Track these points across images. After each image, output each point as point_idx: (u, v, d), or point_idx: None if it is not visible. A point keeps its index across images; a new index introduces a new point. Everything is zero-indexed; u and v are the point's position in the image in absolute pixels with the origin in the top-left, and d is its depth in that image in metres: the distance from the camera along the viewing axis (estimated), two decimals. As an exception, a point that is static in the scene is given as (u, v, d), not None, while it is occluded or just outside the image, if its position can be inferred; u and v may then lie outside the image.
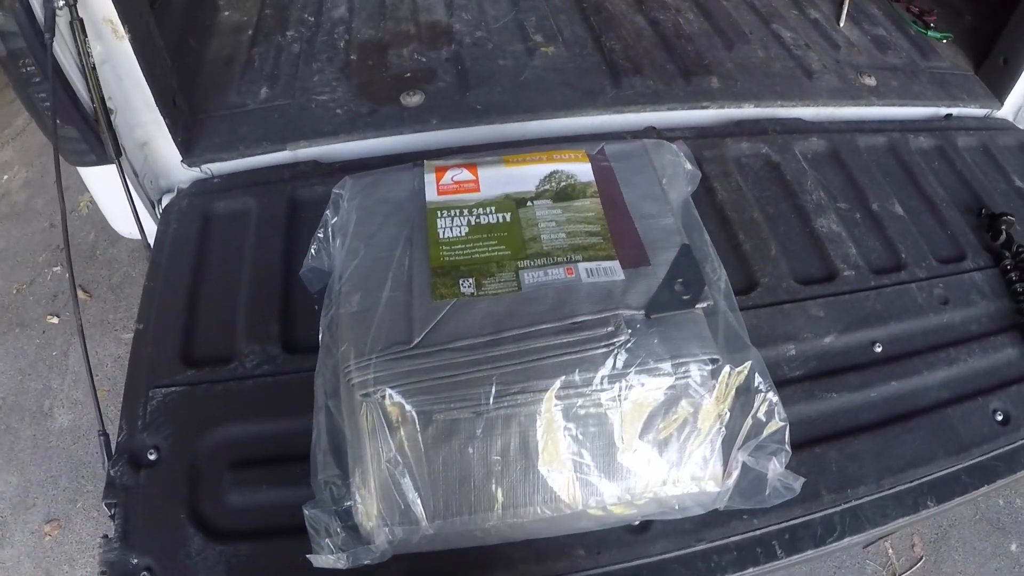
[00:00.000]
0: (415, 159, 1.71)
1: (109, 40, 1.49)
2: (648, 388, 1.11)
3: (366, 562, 1.08)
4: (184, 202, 1.68)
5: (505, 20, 2.00)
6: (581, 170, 1.34)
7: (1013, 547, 2.22)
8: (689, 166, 1.45)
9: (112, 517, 1.22)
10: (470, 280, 1.18)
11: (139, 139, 1.66)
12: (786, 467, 1.18)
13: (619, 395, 1.11)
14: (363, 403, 1.10)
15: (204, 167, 1.74)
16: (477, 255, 1.21)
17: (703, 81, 1.87)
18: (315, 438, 1.16)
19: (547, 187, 1.31)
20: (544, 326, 1.13)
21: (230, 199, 1.67)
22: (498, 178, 1.33)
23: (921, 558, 2.17)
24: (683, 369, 1.13)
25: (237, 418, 1.32)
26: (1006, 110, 2.01)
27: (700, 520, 1.23)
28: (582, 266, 1.19)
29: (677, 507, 1.17)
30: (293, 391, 1.34)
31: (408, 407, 1.08)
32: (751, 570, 1.25)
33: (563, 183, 1.31)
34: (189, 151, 1.71)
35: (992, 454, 1.43)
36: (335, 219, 1.38)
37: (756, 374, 1.18)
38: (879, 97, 1.92)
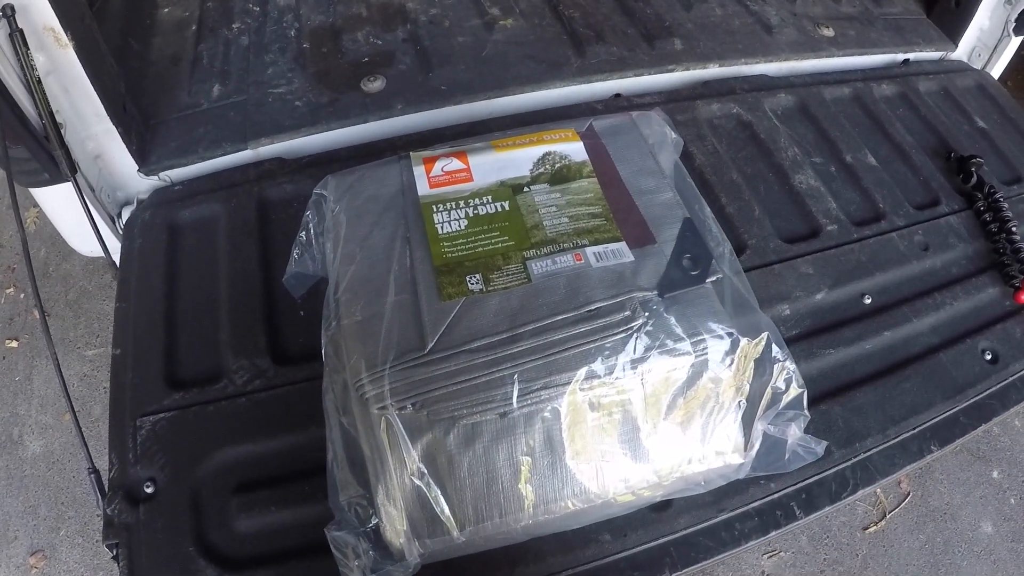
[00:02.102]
0: (384, 147, 1.65)
1: (52, 49, 1.36)
2: (669, 369, 1.07)
3: None
4: (146, 214, 1.56)
5: (459, -6, 1.91)
6: (574, 149, 1.28)
7: (995, 474, 2.27)
8: (673, 134, 1.40)
9: (115, 559, 1.13)
10: (477, 276, 1.11)
11: (92, 152, 1.53)
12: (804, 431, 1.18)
13: (642, 379, 1.06)
14: (381, 417, 1.03)
15: (163, 175, 1.62)
16: (481, 248, 1.14)
17: (666, 44, 1.82)
18: (331, 458, 1.08)
19: (542, 170, 1.25)
20: (560, 317, 1.07)
21: (195, 206, 1.56)
22: (490, 165, 1.25)
23: (908, 494, 2.21)
24: (702, 346, 1.09)
25: (235, 439, 1.24)
26: (960, 52, 2.01)
27: (720, 491, 1.20)
28: (590, 250, 1.14)
29: (703, 482, 1.14)
30: (290, 404, 1.27)
31: (429, 416, 1.02)
32: (773, 533, 1.25)
33: (558, 164, 1.25)
34: (145, 159, 1.59)
35: (985, 393, 1.44)
36: (316, 220, 1.30)
37: (773, 344, 1.15)
38: (839, 47, 1.90)
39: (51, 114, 1.37)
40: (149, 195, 1.61)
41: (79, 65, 1.40)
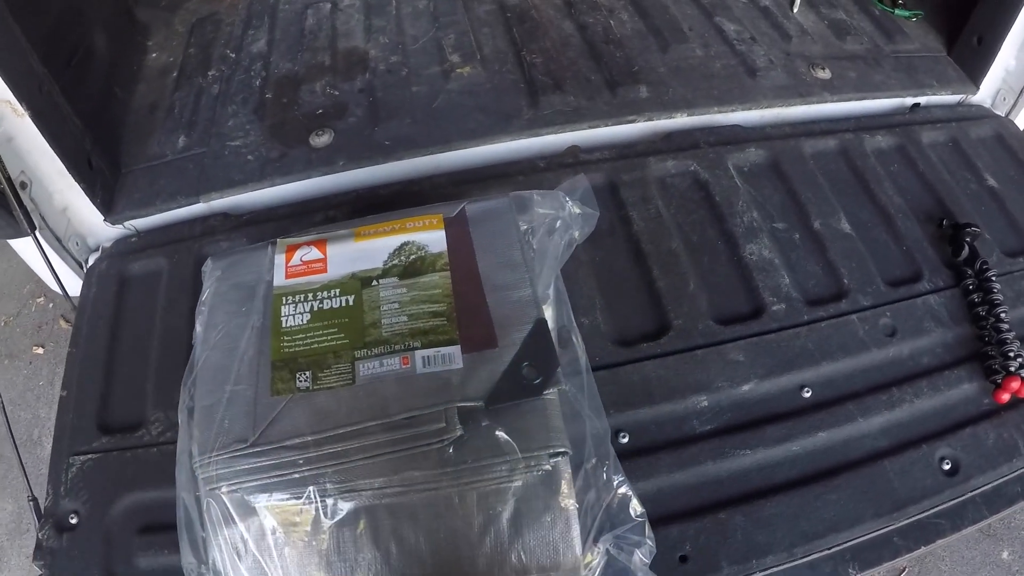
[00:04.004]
0: (320, 206, 1.63)
1: (10, 119, 1.43)
2: (481, 485, 1.02)
3: None
4: (103, 264, 1.62)
5: (424, 40, 1.84)
6: (433, 239, 1.20)
7: (1005, 555, 1.99)
8: (576, 210, 1.29)
9: None
10: (307, 373, 1.09)
11: (59, 205, 1.61)
12: (654, 558, 1.07)
13: (451, 492, 1.02)
14: (207, 498, 1.06)
15: (127, 224, 1.68)
16: (316, 345, 1.12)
17: (630, 91, 1.67)
18: (179, 520, 1.12)
19: (395, 262, 1.18)
20: (374, 423, 1.04)
21: (145, 259, 1.60)
22: (347, 255, 1.21)
23: (904, 569, 1.98)
24: (525, 464, 1.01)
25: (144, 485, 1.29)
26: (982, 94, 1.72)
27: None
28: (419, 354, 1.08)
29: None
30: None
31: (248, 503, 1.04)
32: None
33: (413, 256, 1.18)
34: (110, 209, 1.65)
35: (933, 510, 1.24)
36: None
37: (610, 467, 1.05)
38: (833, 91, 1.68)
39: (8, 179, 1.45)
40: (112, 244, 1.68)
41: (38, 131, 1.47)
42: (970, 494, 1.26)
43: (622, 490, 1.07)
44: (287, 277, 1.21)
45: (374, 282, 1.17)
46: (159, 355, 1.45)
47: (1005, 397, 1.32)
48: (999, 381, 1.33)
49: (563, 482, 1.02)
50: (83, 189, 1.58)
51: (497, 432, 1.02)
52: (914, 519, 1.23)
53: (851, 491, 1.24)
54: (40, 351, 2.59)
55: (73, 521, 1.27)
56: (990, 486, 1.27)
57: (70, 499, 1.29)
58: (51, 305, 2.68)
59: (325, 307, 1.16)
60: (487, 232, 1.21)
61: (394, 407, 1.04)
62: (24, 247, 1.67)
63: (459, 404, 1.03)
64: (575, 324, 1.19)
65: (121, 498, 1.29)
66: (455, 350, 1.08)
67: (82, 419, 1.40)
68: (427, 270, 1.17)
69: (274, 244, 1.27)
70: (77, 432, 1.38)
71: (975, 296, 1.41)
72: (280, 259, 1.24)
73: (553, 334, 1.15)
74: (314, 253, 1.23)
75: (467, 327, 1.10)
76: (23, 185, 1.52)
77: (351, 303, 1.16)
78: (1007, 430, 1.31)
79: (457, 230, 1.22)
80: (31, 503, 1.32)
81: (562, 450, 1.02)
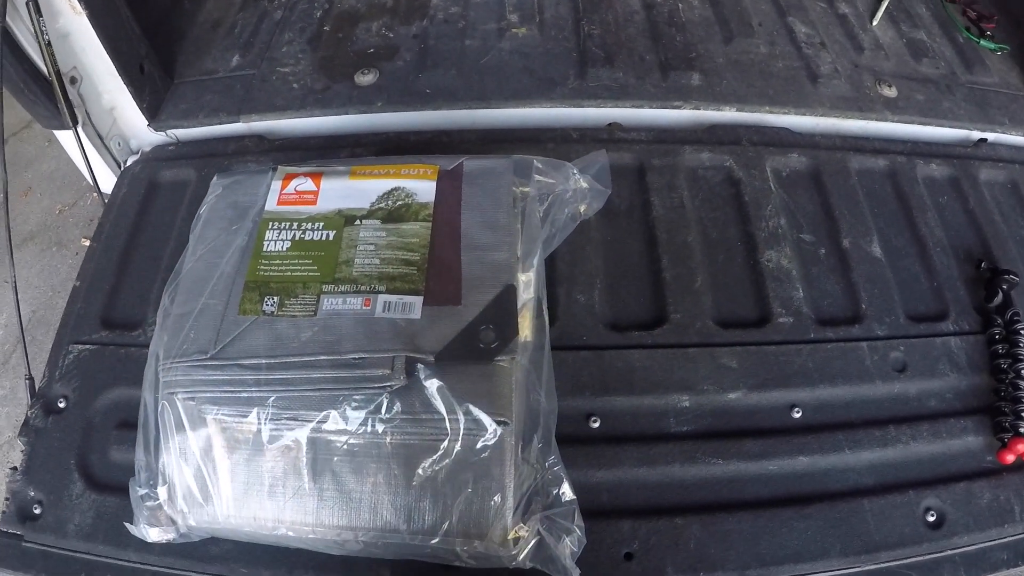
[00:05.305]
0: (350, 143, 1.61)
1: (68, 15, 1.45)
2: (417, 438, 0.99)
3: (168, 539, 1.10)
4: (138, 167, 1.64)
5: (490, -6, 1.79)
6: (423, 189, 1.16)
7: None
8: (584, 184, 1.24)
9: (23, 452, 1.28)
10: (275, 299, 1.09)
11: (107, 104, 1.63)
12: (582, 547, 1.02)
13: (388, 440, 1.00)
14: (163, 401, 1.08)
15: (170, 132, 1.70)
16: (289, 273, 1.11)
17: (681, 77, 1.59)
18: (140, 418, 1.14)
19: (382, 205, 1.15)
20: (324, 357, 1.02)
21: (175, 169, 1.61)
22: (338, 191, 1.19)
23: None
24: (460, 426, 0.97)
25: (130, 383, 1.31)
26: (1056, 140, 1.58)
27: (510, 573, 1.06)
28: (381, 298, 1.05)
29: (472, 560, 1.04)
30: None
31: (199, 414, 1.06)
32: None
33: (399, 202, 1.15)
34: (155, 115, 1.66)
35: (906, 560, 1.15)
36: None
37: (546, 447, 1.01)
38: (895, 111, 1.55)
39: (57, 73, 1.48)
40: (151, 150, 1.70)
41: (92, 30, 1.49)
42: (950, 551, 1.16)
43: (555, 470, 1.02)
44: (278, 204, 1.21)
45: (357, 221, 1.15)
46: (168, 263, 1.45)
47: (1010, 458, 1.21)
48: (1006, 440, 1.22)
49: (500, 451, 0.98)
50: (131, 93, 1.59)
51: (440, 388, 0.99)
52: (883, 565, 1.15)
53: (821, 523, 1.15)
54: (88, 243, 2.66)
55: (61, 405, 1.31)
56: (974, 547, 1.17)
57: (62, 384, 1.33)
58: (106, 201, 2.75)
59: (307, 238, 1.15)
60: (479, 190, 1.17)
61: (346, 345, 1.03)
62: (69, 140, 1.71)
63: (408, 354, 1.00)
64: (545, 300, 1.14)
65: (108, 391, 1.32)
66: (417, 300, 1.06)
67: (88, 310, 1.43)
68: (409, 218, 1.14)
69: (275, 170, 1.26)
70: (81, 321, 1.42)
71: (999, 347, 1.29)
72: (276, 185, 1.23)
73: (529, 305, 1.11)
74: (308, 184, 1.21)
75: (434, 280, 1.07)
76: (73, 80, 1.54)
77: (330, 238, 1.14)
78: (1005, 492, 1.20)
79: (449, 184, 1.18)
80: (27, 381, 1.36)
81: (502, 419, 0.98)
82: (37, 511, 1.21)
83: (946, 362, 1.30)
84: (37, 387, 1.35)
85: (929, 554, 1.16)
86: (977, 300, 1.37)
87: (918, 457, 1.22)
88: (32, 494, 1.22)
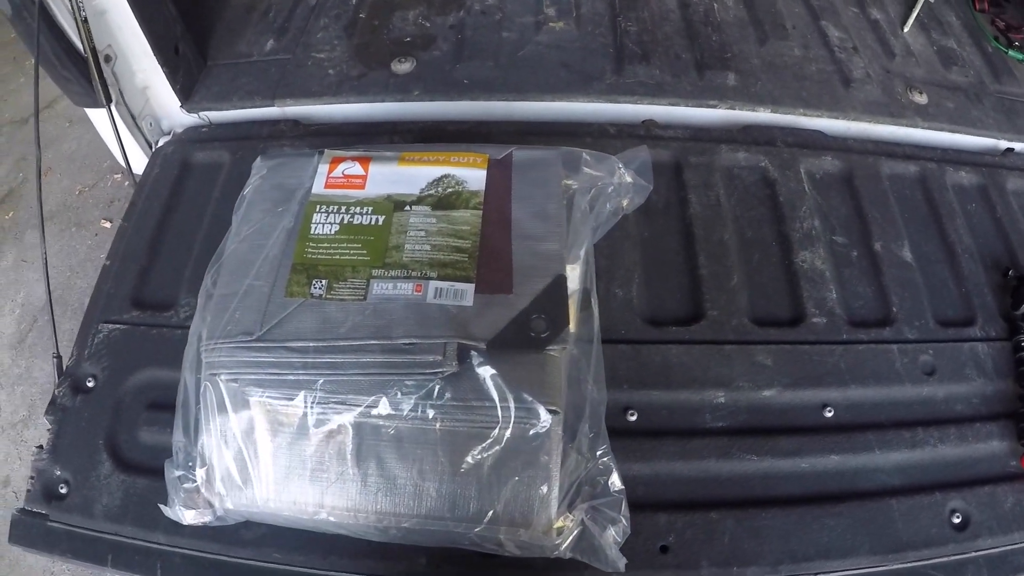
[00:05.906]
0: (388, 130, 1.61)
1: None
2: (466, 425, 0.99)
3: (204, 521, 1.09)
4: (170, 148, 1.64)
5: (526, -13, 1.78)
6: (473, 177, 1.16)
7: None
8: (628, 179, 1.24)
9: (49, 431, 1.27)
10: (323, 282, 1.09)
11: (140, 84, 1.62)
12: (626, 538, 1.03)
13: (437, 426, 1.00)
14: (206, 382, 1.08)
15: (202, 114, 1.69)
16: (338, 257, 1.11)
17: (717, 76, 1.59)
18: (179, 399, 1.14)
19: (432, 192, 1.15)
20: (373, 342, 1.02)
21: (209, 150, 1.60)
22: (387, 176, 1.18)
23: None
24: (511, 414, 0.98)
25: (161, 363, 1.31)
26: (1087, 153, 1.60)
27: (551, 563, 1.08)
28: (433, 284, 1.05)
29: (517, 549, 1.04)
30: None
31: (242, 396, 1.05)
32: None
33: (449, 189, 1.15)
34: (188, 96, 1.65)
35: (932, 561, 1.17)
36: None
37: (599, 438, 1.01)
38: (925, 118, 1.57)
39: (93, 51, 1.46)
40: (183, 131, 1.69)
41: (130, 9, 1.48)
42: (974, 553, 1.18)
43: (605, 460, 1.03)
44: (326, 187, 1.20)
45: (407, 207, 1.15)
46: (203, 244, 1.45)
47: (1033, 464, 1.24)
48: (1031, 445, 1.24)
49: (550, 441, 0.98)
50: (165, 73, 1.58)
51: (492, 376, 0.99)
52: (910, 565, 1.16)
53: (851, 521, 1.17)
54: (107, 225, 2.65)
55: (90, 384, 1.30)
56: (998, 550, 1.19)
57: (91, 363, 1.32)
58: (127, 183, 2.72)
59: (355, 222, 1.15)
60: (529, 180, 1.17)
61: (397, 331, 1.02)
62: (100, 119, 1.70)
63: (461, 341, 1.00)
64: (596, 292, 1.15)
65: (138, 371, 1.31)
66: (469, 288, 1.05)
67: (119, 290, 1.42)
68: (460, 205, 1.14)
69: (321, 153, 1.26)
70: (111, 301, 1.41)
71: (1025, 354, 1.32)
72: (323, 168, 1.22)
73: (575, 296, 1.12)
74: (356, 169, 1.21)
75: (486, 268, 1.07)
76: (108, 58, 1.53)
77: (380, 223, 1.14)
78: (1028, 497, 1.22)
79: (499, 172, 1.18)
80: (55, 360, 1.34)
81: (553, 408, 0.98)
82: (63, 491, 1.20)
83: (973, 367, 1.31)
84: (65, 366, 1.33)
85: (954, 555, 1.17)
86: (1004, 307, 1.38)
87: (945, 459, 1.24)
88: (58, 473, 1.21)
